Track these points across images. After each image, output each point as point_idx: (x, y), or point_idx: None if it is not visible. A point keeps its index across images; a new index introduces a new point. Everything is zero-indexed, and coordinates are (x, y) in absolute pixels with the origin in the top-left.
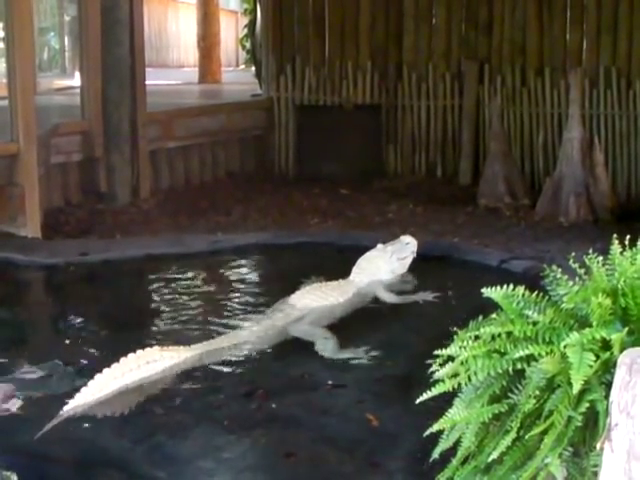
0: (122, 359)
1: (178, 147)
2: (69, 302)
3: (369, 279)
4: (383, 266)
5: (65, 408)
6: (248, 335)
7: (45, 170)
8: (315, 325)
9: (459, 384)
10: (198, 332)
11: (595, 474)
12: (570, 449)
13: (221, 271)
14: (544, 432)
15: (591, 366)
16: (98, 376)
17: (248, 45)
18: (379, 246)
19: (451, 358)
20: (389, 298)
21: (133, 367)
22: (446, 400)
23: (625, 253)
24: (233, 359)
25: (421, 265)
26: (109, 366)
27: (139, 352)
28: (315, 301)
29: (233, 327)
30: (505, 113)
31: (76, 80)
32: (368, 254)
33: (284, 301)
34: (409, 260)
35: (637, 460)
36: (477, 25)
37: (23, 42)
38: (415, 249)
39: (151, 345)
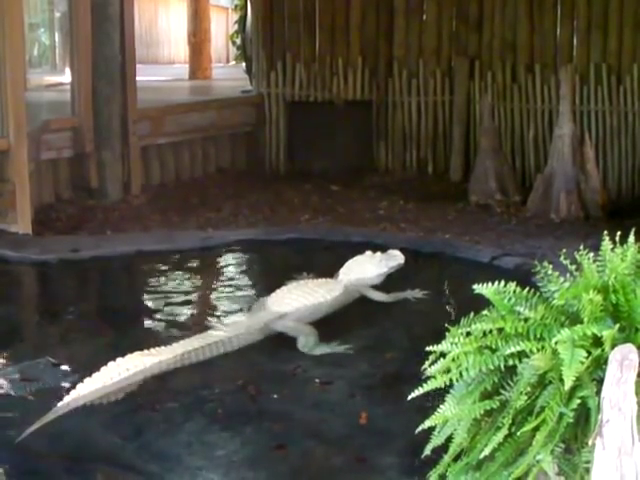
0: (103, 368)
1: (169, 143)
2: (59, 298)
3: (356, 279)
4: (371, 269)
5: (47, 415)
6: (230, 332)
7: (36, 166)
8: (299, 321)
9: (451, 380)
10: (188, 328)
11: (587, 470)
12: (562, 445)
13: (212, 267)
14: (536, 428)
15: (582, 362)
16: (79, 385)
17: (239, 41)
18: (368, 253)
19: (443, 354)
20: (379, 297)
21: (114, 375)
22: (438, 396)
23: (616, 249)
24: (224, 355)
25: (413, 261)
26: (96, 368)
27: (119, 360)
28: (300, 297)
29: (223, 323)
30: (496, 109)
31: (67, 76)
32: (357, 257)
33: (268, 298)
34: (395, 268)
35: (628, 456)
36: (468, 21)
37: (13, 38)
38: (402, 262)
39: (137, 343)
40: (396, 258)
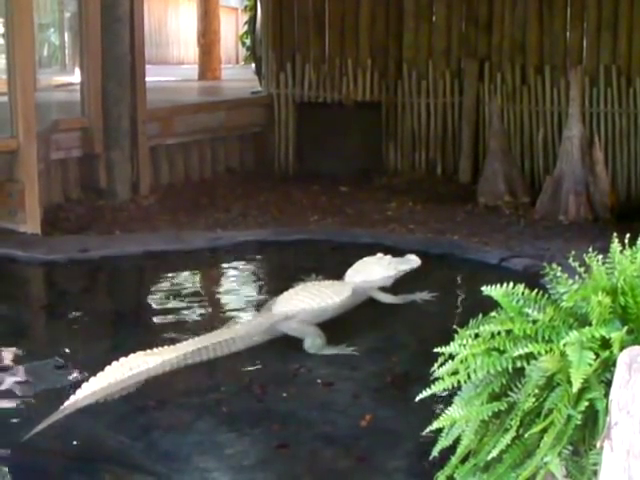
0: (107, 367)
1: (178, 144)
2: (68, 298)
3: (362, 281)
4: (378, 270)
5: (53, 414)
6: (236, 333)
7: (45, 166)
8: (305, 323)
9: (459, 382)
10: (195, 328)
11: (595, 473)
12: (570, 447)
13: (220, 268)
14: (544, 430)
15: (591, 364)
16: (85, 385)
17: (248, 42)
18: (379, 255)
19: (451, 356)
20: (386, 299)
21: (118, 376)
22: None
23: (625, 252)
24: (230, 355)
25: (421, 263)
26: (103, 368)
27: (122, 359)
28: (308, 299)
29: (229, 323)
30: (505, 111)
31: (76, 77)
32: (366, 258)
33: (276, 299)
34: (406, 272)
35: (637, 458)
36: (477, 23)
37: (23, 38)
38: (415, 266)
39: (145, 343)
40: (410, 262)
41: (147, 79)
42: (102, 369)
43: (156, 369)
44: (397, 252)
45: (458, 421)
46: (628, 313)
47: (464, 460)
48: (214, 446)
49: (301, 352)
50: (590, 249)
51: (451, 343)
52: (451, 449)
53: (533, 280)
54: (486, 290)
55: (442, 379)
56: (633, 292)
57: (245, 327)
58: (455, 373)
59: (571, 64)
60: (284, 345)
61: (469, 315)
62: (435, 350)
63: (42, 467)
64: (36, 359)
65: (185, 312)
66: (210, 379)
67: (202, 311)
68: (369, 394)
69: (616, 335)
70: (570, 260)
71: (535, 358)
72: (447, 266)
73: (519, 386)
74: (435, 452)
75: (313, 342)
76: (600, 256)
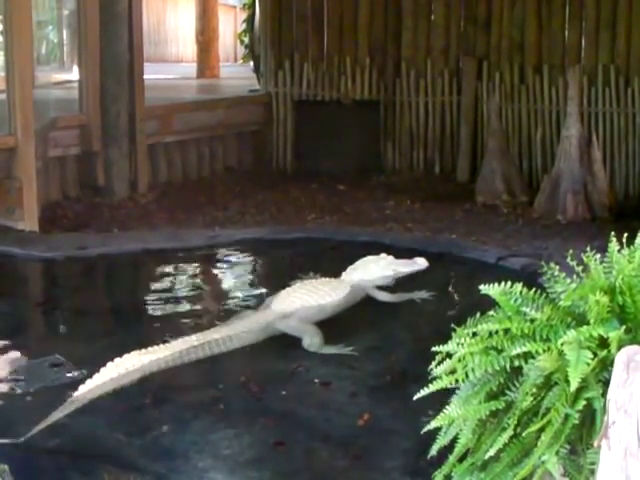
0: (102, 369)
1: (176, 142)
2: (66, 296)
3: (359, 280)
4: (376, 270)
5: (54, 414)
6: (232, 331)
7: (43, 164)
8: (303, 321)
9: (456, 381)
10: (192, 326)
11: (592, 472)
12: (567, 446)
13: (218, 266)
14: (541, 429)
15: (588, 364)
16: (81, 386)
17: (246, 40)
18: (382, 255)
19: (449, 355)
20: (384, 297)
21: (113, 375)
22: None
23: (623, 251)
24: (228, 353)
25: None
26: (101, 367)
27: (117, 360)
28: (305, 297)
29: (226, 321)
30: (503, 110)
31: (74, 74)
32: (367, 257)
33: (273, 297)
34: (406, 274)
35: (634, 458)
36: (476, 22)
37: (22, 35)
38: (421, 269)
39: (143, 341)
40: (413, 265)
41: (145, 77)
42: (99, 367)
43: (152, 367)
44: (395, 251)
45: (456, 420)
46: (626, 312)
47: (462, 459)
48: (211, 444)
49: (299, 351)
50: (588, 248)
51: (449, 342)
52: (449, 448)
53: (531, 279)
54: (484, 289)
55: (440, 378)
56: (631, 291)
57: (243, 325)
58: (453, 372)
59: (569, 63)
60: (282, 344)
61: (467, 314)
62: (433, 349)
63: (40, 465)
64: (33, 357)
65: (183, 310)
66: (208, 377)
67: (200, 309)
68: (367, 393)
69: (614, 334)
70: (568, 259)
71: (533, 357)
72: (445, 265)
73: (517, 385)
74: (433, 451)
75: (311, 340)
76: (598, 255)
